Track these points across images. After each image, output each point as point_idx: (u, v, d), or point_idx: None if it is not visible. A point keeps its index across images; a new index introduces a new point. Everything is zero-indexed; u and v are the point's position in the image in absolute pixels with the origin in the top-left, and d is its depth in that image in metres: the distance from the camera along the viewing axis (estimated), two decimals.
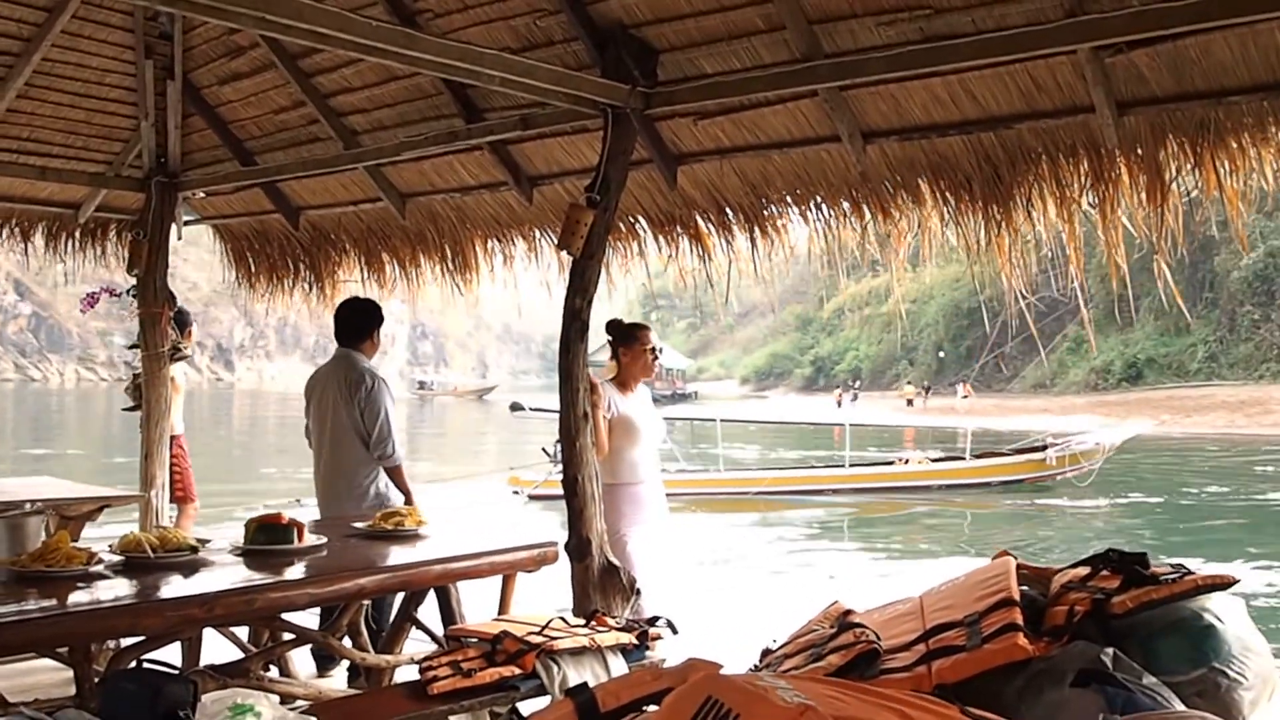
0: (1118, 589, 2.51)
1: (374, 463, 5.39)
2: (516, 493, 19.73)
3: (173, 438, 7.19)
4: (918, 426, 36.59)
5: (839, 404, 53.86)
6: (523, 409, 31.46)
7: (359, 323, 5.62)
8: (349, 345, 5.57)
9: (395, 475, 5.46)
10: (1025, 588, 2.64)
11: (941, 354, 63.36)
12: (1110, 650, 2.29)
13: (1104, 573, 2.61)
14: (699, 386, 79.59)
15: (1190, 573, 2.58)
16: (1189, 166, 3.92)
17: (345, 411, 5.37)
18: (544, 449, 22.70)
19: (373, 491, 5.38)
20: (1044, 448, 21.85)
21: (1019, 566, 2.76)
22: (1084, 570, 2.66)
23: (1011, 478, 21.73)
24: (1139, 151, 4.01)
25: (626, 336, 5.40)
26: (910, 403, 54.27)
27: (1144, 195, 4.03)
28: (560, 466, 16.09)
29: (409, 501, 5.34)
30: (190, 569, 3.77)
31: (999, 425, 31.59)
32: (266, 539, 4.01)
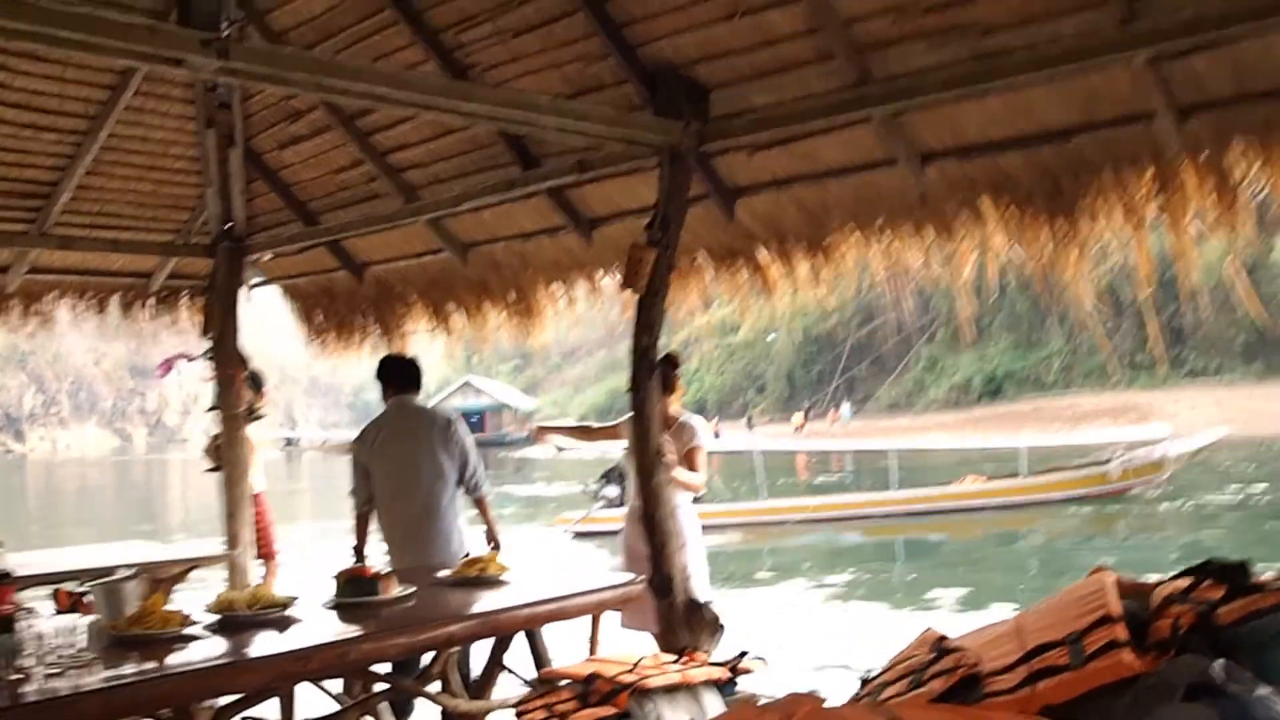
0: (1222, 599, 2.46)
1: (459, 501, 5.57)
2: (566, 532, 19.69)
3: (253, 496, 7.31)
4: (859, 450, 33.72)
5: (717, 434, 51.63)
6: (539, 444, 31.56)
7: (417, 372, 5.80)
8: (413, 393, 5.72)
9: (484, 507, 5.65)
10: (1126, 602, 2.61)
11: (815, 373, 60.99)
12: (1220, 662, 2.25)
13: (1206, 583, 2.56)
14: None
15: None
16: (1258, 167, 3.86)
17: (443, 453, 5.50)
18: (585, 489, 22.74)
19: (459, 528, 5.56)
20: (1107, 461, 20.75)
21: (1118, 581, 2.73)
22: (1185, 582, 2.61)
23: (1075, 493, 20.44)
24: (1203, 156, 3.97)
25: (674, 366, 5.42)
26: (800, 428, 52.32)
27: (1212, 200, 3.98)
28: (601, 503, 16.01)
29: (493, 532, 5.57)
30: (283, 625, 3.82)
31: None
32: (355, 592, 4.07)
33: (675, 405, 5.40)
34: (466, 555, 4.78)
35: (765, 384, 66.43)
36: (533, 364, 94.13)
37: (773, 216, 5.23)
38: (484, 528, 5.59)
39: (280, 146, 6.73)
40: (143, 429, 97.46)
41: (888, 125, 4.52)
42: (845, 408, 54.67)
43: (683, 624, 4.70)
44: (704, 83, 4.83)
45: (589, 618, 4.40)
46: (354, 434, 5.90)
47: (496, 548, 5.30)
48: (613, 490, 20.31)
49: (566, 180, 5.50)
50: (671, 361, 5.35)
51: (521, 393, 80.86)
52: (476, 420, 70.70)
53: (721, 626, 4.78)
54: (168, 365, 7.50)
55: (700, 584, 5.17)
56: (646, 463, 4.79)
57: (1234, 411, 38.01)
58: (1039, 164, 4.34)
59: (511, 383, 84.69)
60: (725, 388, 67.98)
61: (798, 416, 54.71)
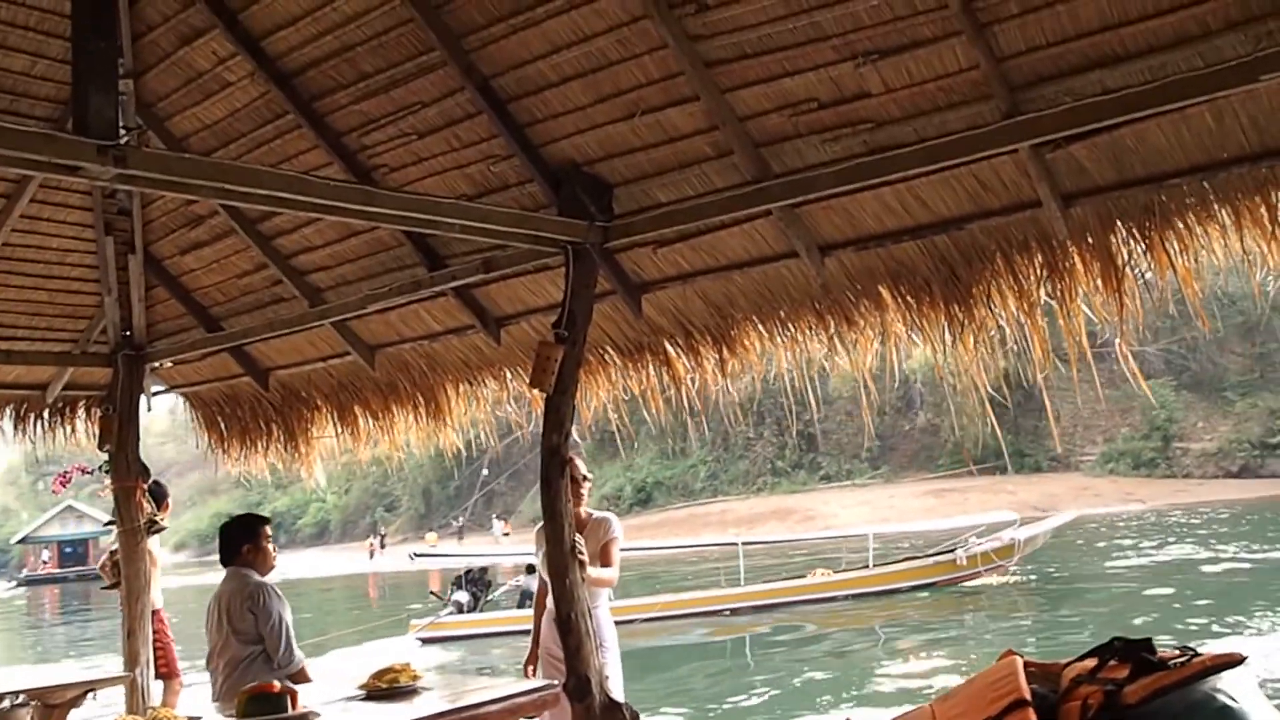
0: (1127, 678, 2.48)
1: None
2: (422, 640, 19.28)
3: (153, 612, 7.05)
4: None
5: (371, 554, 50.33)
6: (422, 555, 30.97)
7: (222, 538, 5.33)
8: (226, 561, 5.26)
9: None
10: (1035, 686, 2.62)
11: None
12: None
13: (1112, 663, 2.58)
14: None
15: (1198, 654, 2.57)
16: (1140, 250, 4.00)
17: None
18: (433, 592, 22.34)
19: None
20: (952, 550, 20.86)
21: (1026, 664, 2.74)
22: (1091, 662, 2.64)
23: (923, 581, 20.46)
24: (1090, 240, 4.10)
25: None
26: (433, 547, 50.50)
27: (1099, 282, 4.11)
28: (449, 609, 15.61)
29: None
30: None
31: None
32: (260, 710, 3.91)
33: (584, 504, 5.36)
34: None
35: (396, 502, 64.03)
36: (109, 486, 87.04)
37: (679, 310, 5.28)
38: None
39: (181, 252, 6.64)
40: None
41: (787, 218, 4.61)
42: (497, 524, 52.21)
43: None
44: (607, 180, 4.90)
45: None
46: None
47: None
48: (463, 596, 20.11)
49: (473, 280, 5.49)
50: (572, 463, 5.33)
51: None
52: (78, 549, 65.41)
53: None
54: (65, 478, 7.25)
55: (616, 685, 5.10)
56: (560, 562, 4.73)
57: (883, 510, 41.35)
58: (934, 252, 4.46)
59: (90, 506, 71.65)
60: (350, 507, 65.15)
61: (431, 535, 52.07)
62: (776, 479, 52.98)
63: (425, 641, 18.87)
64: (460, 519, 52.93)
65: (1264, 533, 27.13)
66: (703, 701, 12.55)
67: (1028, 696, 2.49)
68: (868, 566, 21.00)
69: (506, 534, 50.13)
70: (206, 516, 75.52)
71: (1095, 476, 46.82)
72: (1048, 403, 43.92)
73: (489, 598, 20.52)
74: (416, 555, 29.72)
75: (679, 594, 20.79)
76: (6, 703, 3.85)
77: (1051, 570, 23.06)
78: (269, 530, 5.34)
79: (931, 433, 51.75)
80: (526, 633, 18.49)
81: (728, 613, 19.63)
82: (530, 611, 19.49)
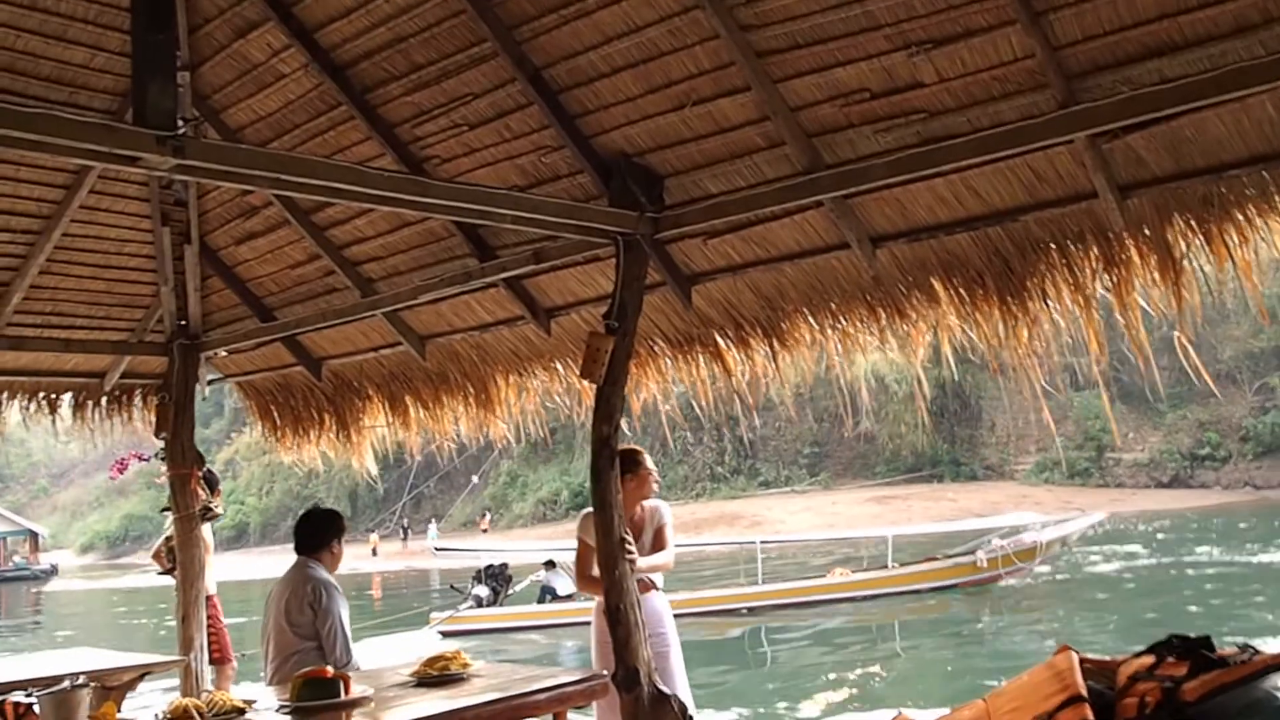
0: (1186, 675, 2.45)
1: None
2: (443, 634, 19.40)
3: (207, 598, 7.16)
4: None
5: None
6: (444, 550, 31.11)
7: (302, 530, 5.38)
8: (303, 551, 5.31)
9: None
10: (1091, 682, 2.59)
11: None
12: None
13: (1170, 660, 2.55)
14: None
15: (1258, 652, 2.53)
16: (1198, 242, 3.94)
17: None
18: (452, 585, 22.46)
19: None
20: (973, 550, 20.79)
21: (1082, 660, 2.71)
22: (1149, 659, 2.61)
23: (944, 582, 20.33)
24: (1146, 232, 4.04)
25: (629, 465, 5.33)
26: (375, 551, 48.41)
27: (1156, 274, 4.05)
28: (469, 603, 15.74)
29: None
30: None
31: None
32: (313, 694, 3.97)
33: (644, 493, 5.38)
34: None
35: (320, 504, 61.27)
36: (12, 487, 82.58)
37: (729, 302, 5.26)
38: None
39: (236, 243, 6.72)
40: None
41: (839, 209, 4.59)
42: (432, 527, 51.16)
43: (648, 718, 4.61)
44: (658, 171, 4.90)
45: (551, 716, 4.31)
46: None
47: None
48: (483, 590, 20.21)
49: (523, 271, 5.52)
50: (644, 459, 5.36)
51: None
52: None
53: (690, 718, 4.70)
54: (121, 465, 7.37)
55: (679, 676, 5.12)
56: (610, 553, 4.74)
57: (827, 515, 42.24)
58: (987, 244, 4.41)
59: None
60: (270, 510, 62.72)
61: (373, 537, 50.81)
62: (716, 484, 53.45)
63: (445, 635, 19.03)
64: (406, 521, 53.24)
65: (1247, 536, 27.80)
66: (741, 696, 12.58)
67: (1084, 692, 2.47)
68: (887, 567, 20.96)
69: (485, 530, 50.34)
70: (116, 518, 73.59)
71: (1031, 485, 47.86)
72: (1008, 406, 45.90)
73: (509, 592, 20.67)
74: (438, 549, 29.92)
75: (695, 592, 20.79)
76: (67, 683, 3.92)
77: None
78: None
79: (868, 440, 52.28)
80: (545, 628, 18.59)
81: (745, 611, 19.64)
82: (550, 607, 19.53)
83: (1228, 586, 19.71)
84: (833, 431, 53.08)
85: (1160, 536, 30.42)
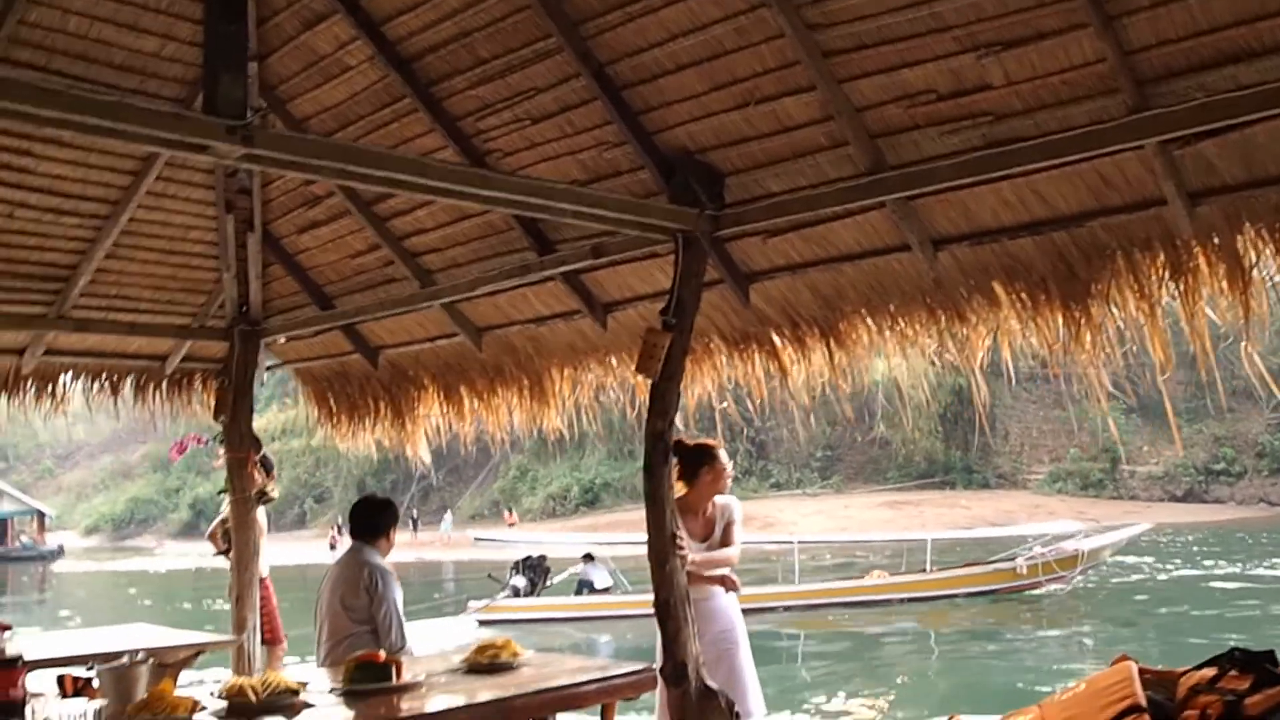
0: (1249, 690, 2.42)
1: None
2: (481, 622, 19.54)
3: (260, 580, 7.27)
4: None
5: (333, 545, 47.79)
6: (484, 540, 31.24)
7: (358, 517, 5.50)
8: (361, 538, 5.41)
9: None
10: (1150, 693, 2.56)
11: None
12: None
13: (1232, 673, 2.52)
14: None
15: None
16: (1269, 252, 3.88)
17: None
18: (490, 575, 22.58)
19: None
20: (1014, 557, 20.63)
21: (1141, 670, 2.68)
22: (1210, 671, 2.57)
23: (982, 588, 20.26)
24: (1215, 240, 3.98)
25: (698, 459, 5.38)
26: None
27: (1224, 284, 3.99)
28: (507, 592, 15.94)
29: None
30: (293, 712, 3.78)
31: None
32: (366, 678, 4.02)
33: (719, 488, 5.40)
34: None
35: (326, 493, 61.81)
36: (17, 467, 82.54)
37: (787, 301, 5.25)
38: None
39: (298, 231, 6.81)
40: None
41: (901, 211, 4.56)
42: (447, 518, 52.14)
43: (695, 713, 4.62)
44: (719, 169, 4.89)
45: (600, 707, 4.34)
46: None
47: None
48: (520, 581, 20.29)
49: (582, 265, 5.54)
50: (711, 449, 5.35)
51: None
52: None
53: (736, 715, 4.70)
54: (181, 447, 7.50)
55: (749, 678, 5.14)
56: (661, 548, 4.75)
57: (840, 519, 42.45)
58: (1052, 249, 4.36)
59: (9, 485, 68.73)
60: (279, 498, 60.77)
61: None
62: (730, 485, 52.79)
63: (482, 623, 19.21)
64: (415, 512, 53.33)
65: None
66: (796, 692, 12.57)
67: (1144, 703, 2.44)
68: (925, 570, 20.81)
69: (512, 524, 49.92)
70: (121, 500, 74.13)
71: (1045, 495, 47.75)
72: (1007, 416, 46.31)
73: (547, 584, 20.76)
74: (479, 539, 30.10)
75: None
76: (126, 659, 4.00)
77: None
78: None
79: (881, 445, 52.38)
80: (581, 620, 18.72)
81: (782, 610, 19.55)
82: (586, 599, 19.69)
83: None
84: (845, 435, 53.40)
85: (1197, 549, 30.23)
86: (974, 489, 49.86)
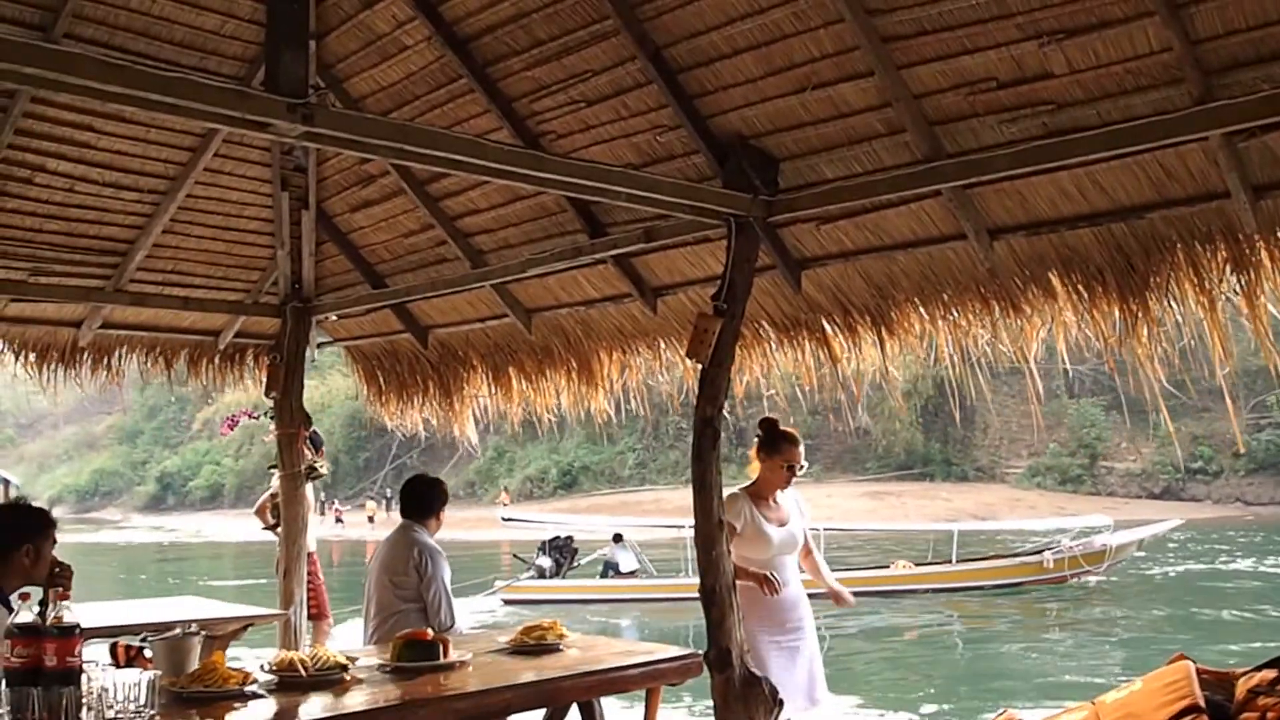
0: None
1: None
2: (505, 601, 19.76)
3: (308, 555, 7.35)
4: None
5: (339, 519, 49.52)
6: (511, 520, 31.34)
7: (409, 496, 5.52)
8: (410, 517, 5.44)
9: None
10: (1208, 693, 2.53)
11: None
12: None
13: None
14: None
15: None
16: None
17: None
18: (516, 555, 22.65)
19: None
20: (1040, 550, 20.59)
21: (1199, 671, 2.65)
22: (1271, 674, 2.54)
23: (1007, 580, 20.19)
24: (1279, 235, 3.91)
25: (771, 443, 5.35)
26: (371, 519, 48.18)
27: None
28: (531, 573, 16.03)
29: None
30: (341, 688, 3.82)
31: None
32: (413, 655, 4.06)
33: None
34: None
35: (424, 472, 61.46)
36: None
37: (838, 288, 5.22)
38: None
39: (351, 210, 6.86)
40: None
41: (958, 199, 4.52)
42: (502, 494, 51.78)
43: (739, 699, 4.62)
44: (774, 154, 4.87)
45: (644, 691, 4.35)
46: None
47: None
48: (545, 561, 20.37)
49: (633, 249, 5.54)
50: (787, 433, 5.33)
51: None
52: None
53: (780, 703, 4.70)
54: (233, 421, 7.60)
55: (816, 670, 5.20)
56: (709, 534, 4.75)
57: (823, 508, 40.10)
58: (1110, 241, 4.30)
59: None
60: (247, 471, 61.18)
61: (370, 505, 50.76)
62: None
63: (507, 602, 19.42)
64: (389, 491, 52.13)
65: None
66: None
67: (1202, 703, 2.42)
68: (950, 561, 20.70)
69: (507, 504, 48.98)
70: (86, 472, 73.38)
71: (1023, 489, 47.97)
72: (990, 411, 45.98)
73: (573, 565, 20.83)
74: (506, 519, 30.31)
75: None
76: (179, 631, 4.07)
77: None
78: None
79: (860, 435, 51.95)
80: (605, 602, 18.85)
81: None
82: (610, 582, 19.86)
83: None
84: (824, 424, 53.00)
85: (1225, 546, 29.86)
86: (953, 481, 50.29)
